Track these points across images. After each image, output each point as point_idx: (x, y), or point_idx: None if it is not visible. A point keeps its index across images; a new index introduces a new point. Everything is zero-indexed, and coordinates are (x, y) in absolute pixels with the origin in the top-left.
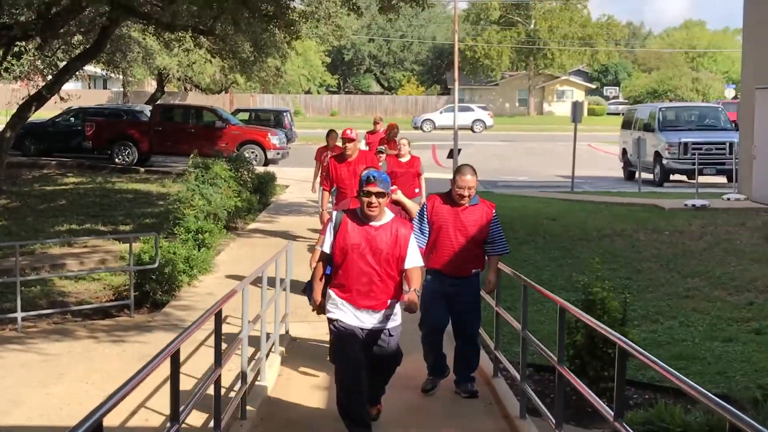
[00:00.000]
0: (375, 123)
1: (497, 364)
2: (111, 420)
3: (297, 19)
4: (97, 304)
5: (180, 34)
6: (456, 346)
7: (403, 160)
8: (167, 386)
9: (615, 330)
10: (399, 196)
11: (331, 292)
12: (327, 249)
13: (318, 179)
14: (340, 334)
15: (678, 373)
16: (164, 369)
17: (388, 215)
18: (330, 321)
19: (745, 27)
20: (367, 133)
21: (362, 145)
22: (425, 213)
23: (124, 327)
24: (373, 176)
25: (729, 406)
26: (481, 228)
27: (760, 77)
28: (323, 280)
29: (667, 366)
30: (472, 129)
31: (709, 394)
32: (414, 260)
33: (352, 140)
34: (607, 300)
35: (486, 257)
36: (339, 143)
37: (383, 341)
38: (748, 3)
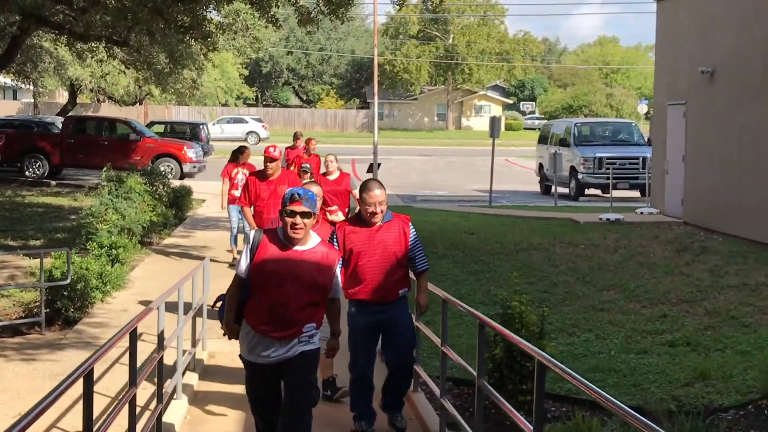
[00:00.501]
0: (295, 138)
1: (416, 379)
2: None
3: (214, 30)
4: (6, 322)
5: (93, 44)
6: (389, 374)
7: (331, 177)
8: (80, 406)
9: (533, 343)
10: (339, 216)
11: (245, 321)
12: (243, 273)
13: (226, 197)
14: (253, 372)
15: (594, 386)
16: (77, 389)
17: (314, 239)
18: (241, 357)
19: (657, 44)
20: (287, 148)
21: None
22: (335, 242)
23: (35, 345)
24: (298, 194)
25: (643, 419)
26: (401, 245)
27: (671, 93)
28: (237, 306)
29: (583, 379)
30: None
31: (625, 407)
32: (336, 292)
33: (274, 159)
34: (525, 314)
35: (412, 276)
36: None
37: (295, 367)
38: (660, 21)
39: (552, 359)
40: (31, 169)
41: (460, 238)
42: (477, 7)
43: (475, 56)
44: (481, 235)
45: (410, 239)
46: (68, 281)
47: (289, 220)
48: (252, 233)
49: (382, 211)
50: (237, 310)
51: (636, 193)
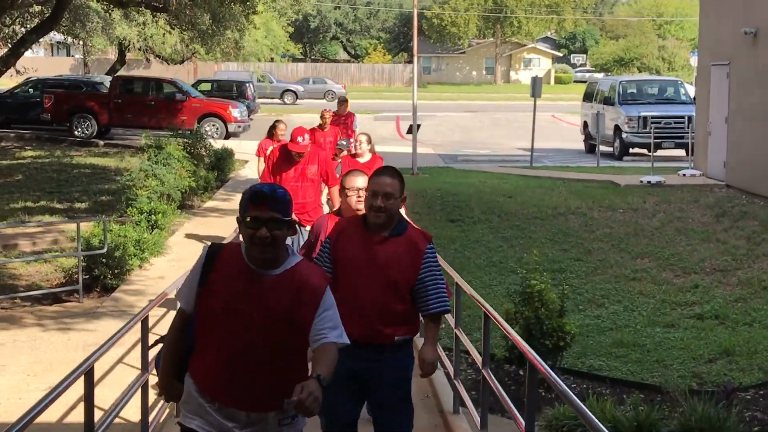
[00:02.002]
0: (339, 103)
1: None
2: (50, 415)
3: None
4: (46, 290)
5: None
6: None
7: (362, 160)
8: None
9: (553, 322)
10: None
11: (188, 378)
12: (186, 304)
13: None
14: None
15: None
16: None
17: (291, 259)
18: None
19: (701, 3)
20: (332, 113)
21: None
22: (328, 248)
23: (72, 314)
24: (264, 192)
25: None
26: (407, 271)
27: (715, 53)
28: (178, 353)
29: (565, 388)
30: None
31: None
32: (332, 333)
33: (303, 152)
34: (544, 292)
35: (420, 319)
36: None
37: None
38: None
39: (542, 363)
40: (79, 129)
41: (497, 201)
42: None
43: (524, 8)
44: (519, 198)
45: (423, 266)
46: (105, 250)
47: (248, 232)
48: (203, 249)
49: (387, 210)
50: (178, 361)
51: (681, 152)
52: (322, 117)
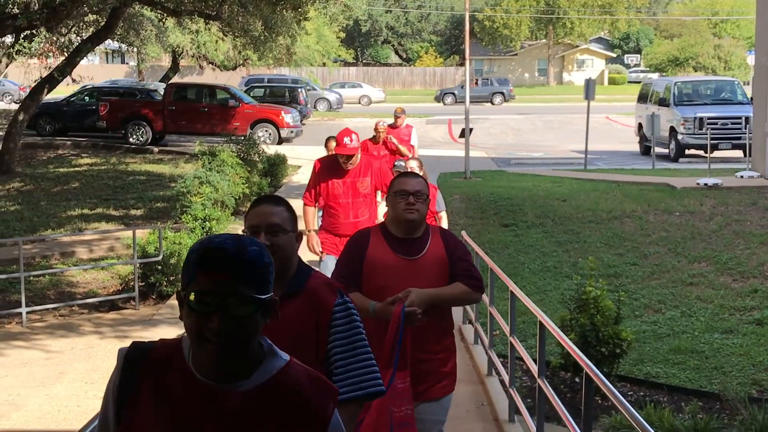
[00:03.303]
0: (396, 116)
1: (491, 364)
2: None
3: (304, 1)
4: (103, 297)
5: (186, 16)
6: None
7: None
8: None
9: (609, 328)
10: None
11: None
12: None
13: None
14: None
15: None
16: None
17: (272, 362)
18: None
19: (758, 2)
20: (388, 127)
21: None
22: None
23: (129, 321)
24: (224, 250)
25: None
26: (310, 344)
27: None
28: None
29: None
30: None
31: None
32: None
33: (350, 155)
34: (600, 299)
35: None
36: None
37: None
38: None
39: (598, 372)
40: (134, 136)
41: (551, 205)
42: None
43: (576, 9)
44: (573, 201)
45: (332, 334)
46: (160, 257)
47: (194, 320)
48: (118, 355)
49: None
50: None
51: (739, 153)
52: (375, 129)
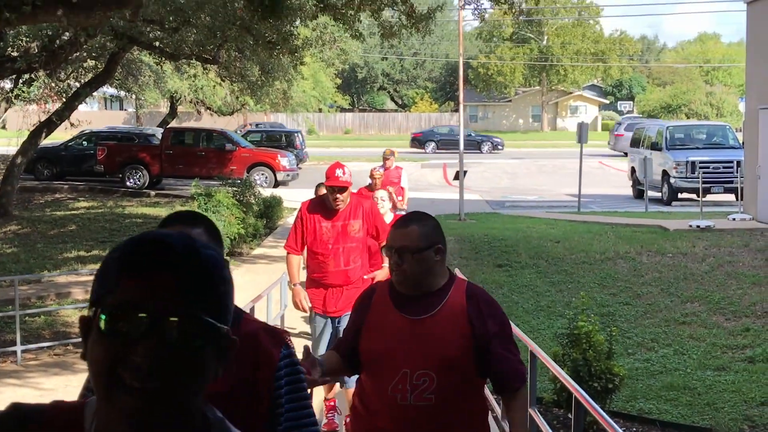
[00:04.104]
0: (385, 158)
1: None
2: None
3: (300, 45)
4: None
5: (184, 61)
6: None
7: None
8: None
9: (601, 363)
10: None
11: None
12: None
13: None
14: None
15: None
16: None
17: None
18: None
19: (747, 46)
20: (382, 171)
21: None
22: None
23: None
24: (161, 243)
25: None
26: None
27: (763, 97)
28: None
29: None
30: None
31: None
32: None
33: (344, 188)
34: (592, 333)
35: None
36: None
37: None
38: (751, 21)
39: (591, 401)
40: (131, 180)
41: (545, 246)
42: (571, 8)
43: (570, 57)
44: (567, 243)
45: (276, 391)
46: None
47: (107, 349)
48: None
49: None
50: None
51: (731, 197)
52: (371, 176)
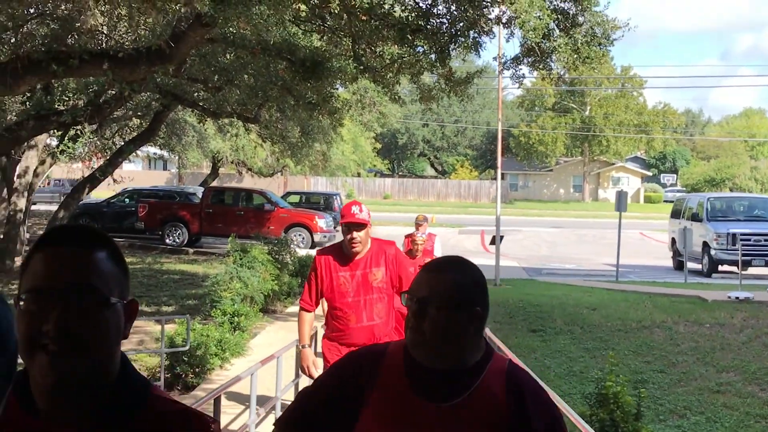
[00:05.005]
0: (418, 224)
1: None
2: None
3: (340, 107)
4: None
5: (227, 120)
6: None
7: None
8: None
9: (629, 425)
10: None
11: None
12: None
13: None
14: None
15: None
16: None
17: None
18: None
19: None
20: (407, 236)
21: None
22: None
23: None
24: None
25: None
26: None
27: None
28: None
29: None
30: None
31: None
32: None
33: (362, 225)
34: (620, 395)
35: None
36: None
37: None
38: None
39: None
40: (171, 237)
41: (581, 313)
42: (615, 79)
43: (612, 128)
44: (603, 311)
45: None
46: (187, 347)
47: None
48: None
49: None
50: None
51: None
52: (413, 241)
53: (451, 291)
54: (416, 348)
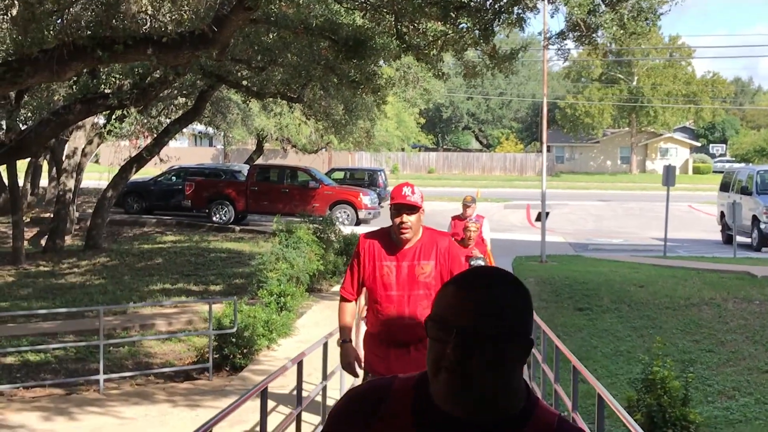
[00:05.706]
0: (465, 206)
1: None
2: None
3: (383, 85)
4: (178, 367)
5: (270, 99)
6: None
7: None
8: None
9: (676, 410)
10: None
11: None
12: None
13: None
14: None
15: None
16: None
17: None
18: None
19: None
20: (453, 218)
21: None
22: None
23: (202, 391)
24: None
25: None
26: None
27: None
28: None
29: None
30: None
31: None
32: None
33: (414, 208)
34: (667, 379)
35: None
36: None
37: None
38: None
39: None
40: (217, 215)
41: (628, 291)
42: (662, 49)
43: (660, 98)
44: (650, 288)
45: None
46: (235, 329)
47: None
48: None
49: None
50: None
51: None
52: (466, 229)
53: (503, 316)
54: (457, 397)
